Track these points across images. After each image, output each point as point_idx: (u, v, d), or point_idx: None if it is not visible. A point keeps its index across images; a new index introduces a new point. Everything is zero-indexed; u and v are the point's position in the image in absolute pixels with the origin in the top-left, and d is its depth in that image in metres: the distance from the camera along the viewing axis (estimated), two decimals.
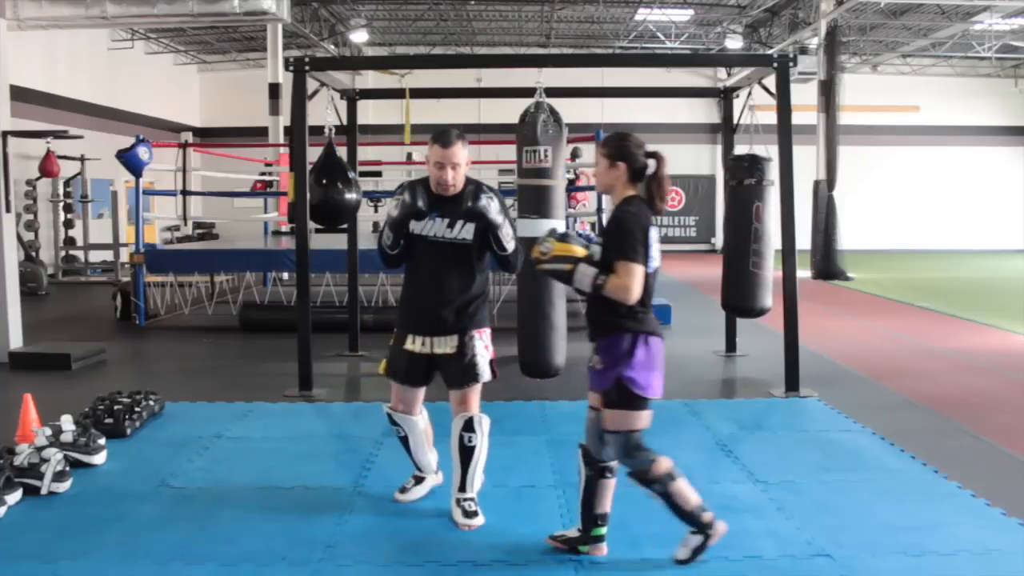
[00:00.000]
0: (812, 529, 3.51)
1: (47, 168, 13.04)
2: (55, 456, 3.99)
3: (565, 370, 5.38)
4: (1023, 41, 18.46)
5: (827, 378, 6.43)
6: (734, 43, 19.72)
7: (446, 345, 3.59)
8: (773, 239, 6.35)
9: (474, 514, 3.59)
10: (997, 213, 21.94)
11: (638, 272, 3.06)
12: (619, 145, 3.21)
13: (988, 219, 21.89)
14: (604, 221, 9.44)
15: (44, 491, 3.90)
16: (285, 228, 13.40)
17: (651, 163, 3.20)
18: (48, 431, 4.29)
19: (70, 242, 15.12)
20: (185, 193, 11.27)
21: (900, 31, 18.81)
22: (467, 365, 3.58)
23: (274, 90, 16.65)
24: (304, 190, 6.10)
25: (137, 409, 5.01)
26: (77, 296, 12.62)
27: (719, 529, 3.17)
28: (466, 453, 3.57)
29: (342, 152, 6.83)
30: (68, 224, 15.09)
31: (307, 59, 6.09)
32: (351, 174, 6.60)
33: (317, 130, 6.33)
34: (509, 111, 7.01)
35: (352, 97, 7.38)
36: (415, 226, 3.56)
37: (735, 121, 7.08)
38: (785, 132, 5.95)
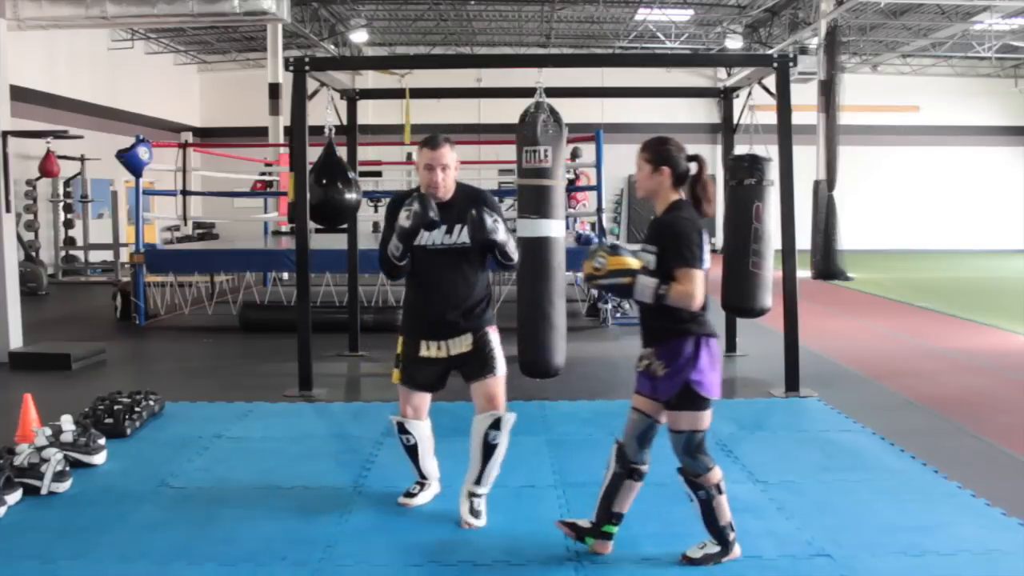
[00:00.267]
0: (812, 529, 3.51)
1: (47, 168, 13.04)
2: (55, 456, 3.99)
3: (565, 370, 5.37)
4: (1023, 41, 18.46)
5: (827, 378, 6.43)
6: (734, 43, 19.72)
7: (462, 344, 3.61)
8: (773, 239, 6.35)
9: (479, 514, 3.59)
10: (997, 213, 21.94)
11: (700, 278, 3.06)
12: (661, 150, 3.20)
13: (988, 219, 21.88)
14: (604, 221, 9.51)
15: (44, 491, 3.90)
16: (285, 228, 13.40)
17: (692, 166, 3.21)
18: (48, 431, 4.29)
19: (70, 242, 15.12)
20: (185, 193, 11.27)
21: (900, 31, 18.81)
22: (485, 358, 3.61)
23: (274, 90, 16.65)
24: (304, 190, 6.10)
25: (137, 409, 5.01)
26: (77, 296, 12.62)
27: (736, 551, 3.20)
28: (488, 450, 3.58)
29: (342, 152, 6.82)
30: (68, 224, 15.09)
31: (307, 59, 6.09)
32: (351, 174, 6.60)
33: (317, 130, 6.33)
34: (509, 111, 7.00)
35: (352, 97, 7.38)
36: (418, 237, 3.56)
37: (735, 121, 7.08)
38: (785, 132, 5.95)
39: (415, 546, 3.38)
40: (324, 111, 6.47)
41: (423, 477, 3.89)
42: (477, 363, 3.62)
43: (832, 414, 5.43)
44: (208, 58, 21.25)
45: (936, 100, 21.92)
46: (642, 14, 18.37)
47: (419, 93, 7.51)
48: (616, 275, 3.06)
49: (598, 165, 10.02)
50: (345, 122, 7.13)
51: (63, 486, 3.96)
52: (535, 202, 5.24)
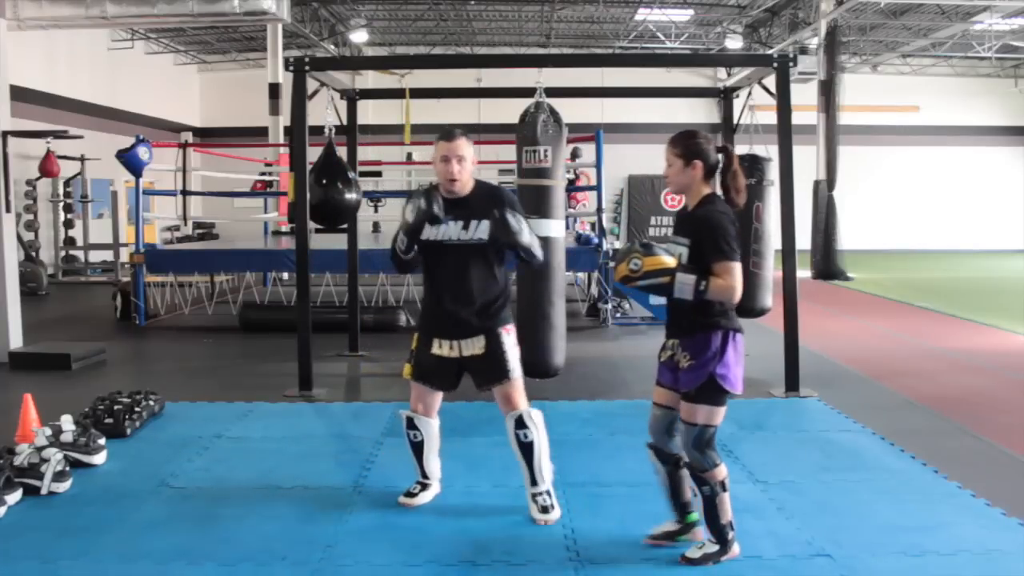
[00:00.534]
0: (812, 529, 3.51)
1: (47, 168, 13.04)
2: (55, 456, 3.98)
3: (565, 370, 5.38)
4: (1023, 41, 18.46)
5: (827, 378, 6.43)
6: (734, 43, 19.72)
7: (474, 346, 3.60)
8: (773, 239, 6.34)
9: (550, 508, 3.60)
10: (997, 213, 21.93)
11: (739, 270, 3.07)
12: (691, 144, 3.19)
13: (988, 219, 21.88)
14: (604, 221, 9.52)
15: (44, 491, 3.90)
16: (285, 228, 13.40)
17: (721, 157, 3.20)
18: (48, 431, 4.29)
19: (70, 242, 15.12)
20: (185, 193, 11.27)
21: (900, 31, 18.81)
22: (497, 363, 3.60)
23: (274, 90, 16.65)
24: (304, 190, 6.09)
25: (137, 409, 5.01)
26: (77, 296, 12.62)
27: (735, 550, 3.21)
28: (525, 449, 3.59)
29: (342, 152, 6.82)
30: (68, 224, 15.08)
31: (307, 59, 6.09)
32: (351, 174, 6.59)
33: (317, 130, 6.33)
34: (509, 111, 7.00)
35: (352, 97, 7.38)
36: (429, 232, 3.55)
37: (735, 121, 7.08)
38: (785, 132, 5.95)
39: (415, 546, 3.38)
40: (324, 111, 6.46)
41: (425, 477, 3.87)
42: (489, 369, 3.61)
43: (832, 414, 5.43)
44: (208, 58, 21.24)
45: (936, 100, 21.92)
46: (642, 14, 18.37)
47: (419, 93, 7.52)
48: (654, 275, 3.03)
49: (598, 165, 10.02)
50: (345, 122, 7.13)
51: (63, 486, 3.95)
52: (535, 202, 5.24)
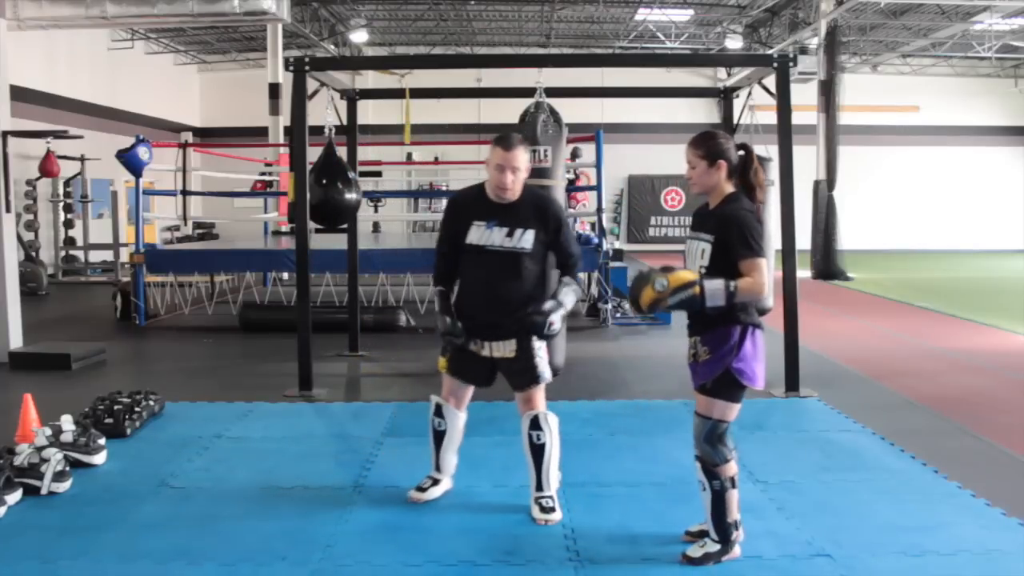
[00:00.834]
0: (812, 529, 3.51)
1: (47, 168, 13.04)
2: (55, 456, 3.98)
3: (565, 370, 5.38)
4: (1023, 41, 18.46)
5: (827, 378, 6.43)
6: (734, 43, 19.72)
7: (505, 349, 3.61)
8: (773, 239, 6.33)
9: (551, 510, 3.59)
10: (997, 213, 21.94)
11: (766, 267, 3.06)
12: (713, 145, 3.19)
13: (988, 219, 21.89)
14: (604, 221, 9.51)
15: (44, 491, 3.90)
16: (285, 228, 13.40)
17: (742, 155, 3.21)
18: (48, 431, 4.29)
19: (70, 242, 15.12)
20: (185, 193, 11.27)
21: (900, 31, 18.81)
22: (527, 367, 3.61)
23: (274, 90, 16.66)
24: (304, 190, 6.09)
25: (137, 409, 5.01)
26: (77, 296, 12.62)
27: (735, 552, 3.21)
28: (537, 451, 3.59)
29: (342, 152, 6.82)
30: (68, 224, 15.08)
31: (307, 59, 6.09)
32: (351, 174, 6.60)
33: (317, 130, 6.33)
34: (509, 111, 7.01)
35: (352, 97, 7.38)
36: (472, 236, 3.57)
37: (735, 121, 7.07)
38: (785, 132, 5.95)
39: (415, 546, 3.38)
40: (324, 111, 6.47)
41: (438, 470, 3.88)
42: (520, 372, 3.63)
43: (832, 414, 5.43)
44: (208, 58, 21.25)
45: (936, 100, 21.93)
46: (642, 14, 18.38)
47: (419, 93, 7.51)
48: (682, 290, 3.01)
49: (598, 165, 10.02)
50: (345, 122, 7.13)
51: (63, 486, 3.95)
52: None
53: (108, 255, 14.51)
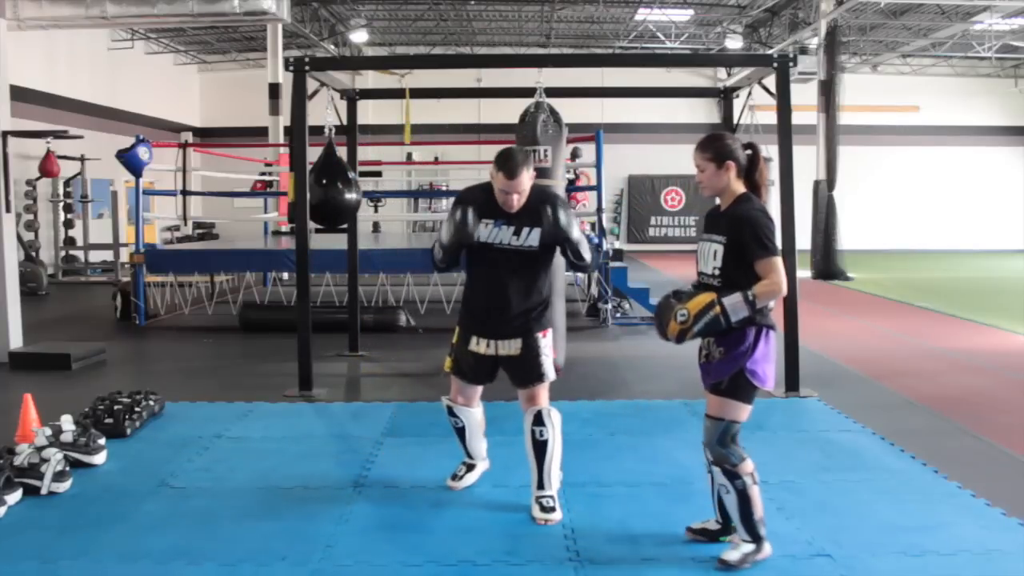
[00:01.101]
0: (812, 529, 3.51)
1: (47, 168, 13.04)
2: (55, 456, 3.98)
3: (565, 370, 5.37)
4: (1023, 41, 18.46)
5: (827, 378, 6.43)
6: (734, 43, 19.72)
7: (510, 347, 3.63)
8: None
9: (552, 509, 3.60)
10: (997, 213, 21.94)
11: (781, 265, 3.07)
12: (721, 146, 3.19)
13: (988, 219, 21.89)
14: (604, 221, 9.51)
15: (44, 491, 3.90)
16: (285, 228, 13.40)
17: (749, 155, 3.22)
18: (48, 431, 4.29)
19: (70, 242, 15.12)
20: (185, 193, 11.27)
21: (900, 31, 18.81)
22: (532, 366, 3.63)
23: (274, 90, 16.66)
24: (304, 190, 6.09)
25: (137, 409, 5.01)
26: (77, 296, 12.62)
27: (767, 550, 3.19)
28: (539, 448, 3.61)
29: (342, 152, 6.82)
30: (68, 224, 15.08)
31: (307, 59, 6.09)
32: (351, 174, 6.60)
33: (317, 130, 6.33)
34: (509, 111, 7.01)
35: (352, 97, 7.38)
36: (480, 234, 3.58)
37: (735, 121, 7.08)
38: (785, 132, 5.95)
39: (415, 546, 3.38)
40: (324, 111, 6.47)
41: (470, 457, 3.98)
42: (524, 370, 3.65)
43: (832, 414, 5.43)
44: (208, 58, 21.25)
45: (936, 100, 21.92)
46: (642, 14, 18.37)
47: (419, 93, 7.51)
48: (703, 314, 3.01)
49: (598, 165, 10.02)
50: (345, 122, 7.13)
51: (63, 486, 3.95)
52: None
53: (108, 255, 14.51)
